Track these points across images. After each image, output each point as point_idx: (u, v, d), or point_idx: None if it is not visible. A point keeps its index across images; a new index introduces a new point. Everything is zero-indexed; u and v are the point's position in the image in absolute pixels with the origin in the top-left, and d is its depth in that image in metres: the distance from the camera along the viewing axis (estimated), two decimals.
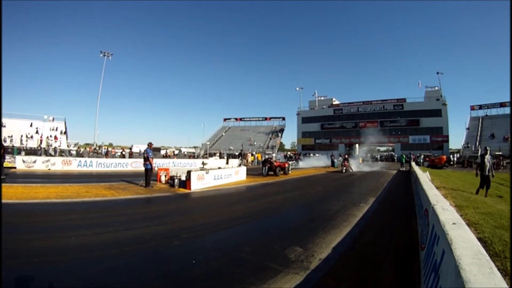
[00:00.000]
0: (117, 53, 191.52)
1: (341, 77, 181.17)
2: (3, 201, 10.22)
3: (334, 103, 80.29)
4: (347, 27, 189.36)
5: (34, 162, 25.44)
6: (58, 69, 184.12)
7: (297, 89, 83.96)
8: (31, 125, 55.88)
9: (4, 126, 52.49)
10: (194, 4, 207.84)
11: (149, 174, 14.75)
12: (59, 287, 4.15)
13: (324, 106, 79.93)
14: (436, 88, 64.64)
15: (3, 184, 13.48)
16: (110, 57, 60.73)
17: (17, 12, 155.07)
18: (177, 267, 4.98)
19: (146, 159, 14.69)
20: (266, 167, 23.47)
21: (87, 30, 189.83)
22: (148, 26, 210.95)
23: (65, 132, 58.50)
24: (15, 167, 24.82)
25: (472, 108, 65.64)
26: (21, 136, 49.32)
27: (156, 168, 16.27)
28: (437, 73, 64.48)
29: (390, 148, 71.87)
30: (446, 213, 3.73)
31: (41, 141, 47.94)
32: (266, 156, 27.96)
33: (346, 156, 31.84)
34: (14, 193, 11.51)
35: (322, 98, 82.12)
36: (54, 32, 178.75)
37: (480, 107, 64.49)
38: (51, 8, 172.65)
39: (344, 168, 28.97)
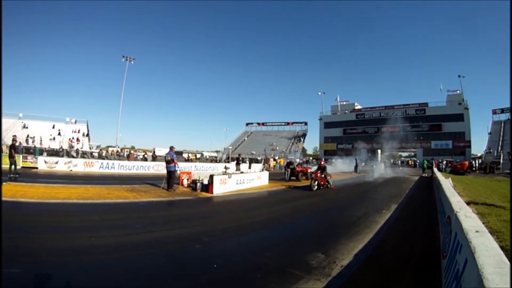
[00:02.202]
0: (140, 57, 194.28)
1: (363, 81, 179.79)
2: (23, 199, 10.36)
3: (356, 107, 79.86)
4: (368, 32, 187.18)
5: (56, 163, 25.68)
6: (82, 73, 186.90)
7: (319, 93, 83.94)
8: (53, 127, 56.83)
9: (27, 128, 53.57)
10: (216, 9, 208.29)
11: (172, 177, 14.66)
12: (77, 287, 4.15)
13: (346, 111, 79.57)
14: (458, 91, 63.63)
15: (19, 183, 13.89)
16: (132, 62, 61.20)
17: (43, 16, 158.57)
18: (198, 270, 4.94)
19: (171, 161, 14.60)
20: (288, 172, 23.16)
21: (109, 35, 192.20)
22: (170, 31, 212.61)
23: (88, 135, 59.44)
24: (36, 168, 25.15)
25: (494, 112, 64.37)
26: (39, 137, 50.30)
27: (178, 171, 16.12)
28: (459, 76, 63.50)
29: (412, 154, 71.01)
30: (469, 220, 3.66)
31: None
32: (288, 159, 27.13)
33: (322, 163, 19.03)
34: (35, 193, 11.55)
35: (344, 103, 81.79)
36: (77, 37, 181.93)
37: (502, 110, 62.90)
38: (75, 14, 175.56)
39: (316, 182, 17.30)
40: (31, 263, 4.84)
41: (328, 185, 18.31)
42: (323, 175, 18.05)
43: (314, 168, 33.20)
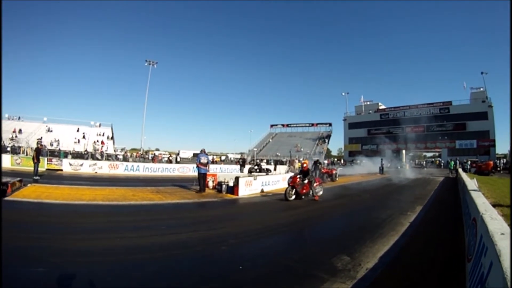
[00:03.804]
0: (164, 60, 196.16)
1: (386, 80, 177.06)
2: (47, 201, 10.51)
3: (380, 107, 78.84)
4: (389, 31, 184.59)
5: (81, 165, 26.11)
6: (106, 77, 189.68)
7: (343, 94, 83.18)
8: (77, 130, 57.60)
9: (51, 131, 54.58)
10: (241, 11, 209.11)
11: (204, 179, 14.78)
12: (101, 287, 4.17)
13: (370, 111, 78.78)
14: (482, 89, 61.90)
15: (43, 185, 14.10)
16: (155, 66, 61.73)
17: (66, 20, 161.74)
18: (224, 272, 4.96)
19: (206, 163, 14.95)
20: (316, 173, 22.41)
21: (133, 39, 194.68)
22: (194, 34, 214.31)
23: (112, 137, 59.99)
24: (61, 170, 25.56)
25: None
26: (63, 140, 50.74)
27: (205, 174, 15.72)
28: (482, 73, 61.34)
29: (437, 154, 69.35)
30: (495, 222, 3.58)
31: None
32: (314, 160, 26.51)
33: (305, 165, 14.30)
34: (60, 194, 11.74)
35: (368, 103, 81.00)
36: (101, 42, 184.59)
37: None
38: (97, 20, 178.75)
39: (294, 190, 13.43)
40: (56, 263, 4.88)
41: (313, 194, 13.85)
42: (305, 181, 13.55)
43: (340, 168, 32.26)
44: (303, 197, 13.49)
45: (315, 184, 14.13)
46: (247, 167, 31.33)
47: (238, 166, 30.82)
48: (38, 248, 5.61)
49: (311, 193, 13.81)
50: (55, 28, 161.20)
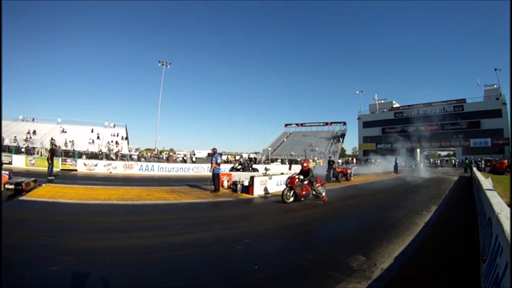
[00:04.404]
0: (177, 61, 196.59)
1: (400, 78, 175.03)
2: (62, 200, 10.58)
3: (394, 106, 77.73)
4: (402, 29, 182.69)
5: (96, 165, 26.34)
6: (120, 78, 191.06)
7: (357, 92, 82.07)
8: (92, 131, 58.01)
9: (65, 132, 55.15)
10: (252, 11, 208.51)
11: (218, 179, 14.77)
12: (115, 287, 4.19)
13: (385, 110, 77.60)
14: (495, 86, 60.17)
15: (58, 185, 14.25)
16: (168, 66, 61.70)
17: (78, 21, 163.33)
18: (238, 271, 4.96)
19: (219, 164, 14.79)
20: (330, 172, 22.56)
21: (145, 39, 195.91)
22: (207, 34, 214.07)
23: (127, 138, 60.34)
24: (76, 170, 25.82)
25: None
26: (78, 141, 51.22)
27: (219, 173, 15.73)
28: (495, 69, 59.74)
29: (451, 153, 68.34)
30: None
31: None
32: (328, 158, 26.01)
33: (305, 164, 13.31)
34: (75, 194, 11.81)
35: (382, 101, 79.86)
36: (114, 43, 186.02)
37: None
38: (109, 21, 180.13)
39: (292, 191, 12.37)
40: (71, 262, 4.91)
41: (316, 196, 12.94)
42: (305, 182, 12.70)
43: (355, 168, 31.69)
44: (302, 199, 12.52)
45: (317, 185, 13.12)
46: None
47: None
48: (52, 247, 5.65)
49: (311, 194, 12.89)
50: (69, 30, 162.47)
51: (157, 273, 4.67)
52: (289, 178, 12.91)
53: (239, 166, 24.12)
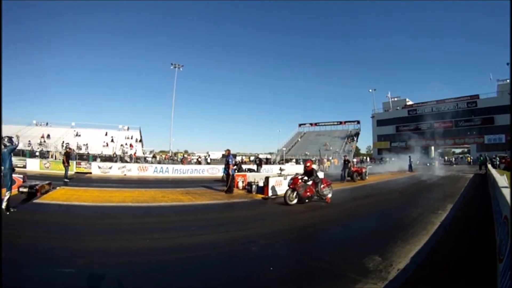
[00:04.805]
0: (190, 63, 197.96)
1: (413, 75, 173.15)
2: (77, 203, 10.66)
3: (407, 103, 77.06)
4: (413, 26, 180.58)
5: (110, 168, 26.46)
6: (134, 81, 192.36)
7: (370, 90, 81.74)
8: (106, 134, 58.58)
9: (79, 136, 55.84)
10: (265, 12, 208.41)
11: (232, 180, 14.81)
12: None
13: (398, 108, 77.10)
14: (508, 81, 59.00)
15: (73, 188, 14.45)
16: (180, 69, 62.00)
17: (92, 25, 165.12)
18: (253, 273, 4.94)
19: (235, 165, 14.96)
20: (345, 172, 22.33)
21: (157, 42, 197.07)
22: (218, 35, 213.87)
23: (141, 140, 60.81)
24: (90, 173, 25.99)
25: None
26: (92, 144, 51.62)
27: (234, 174, 15.92)
28: (507, 64, 57.27)
29: (466, 150, 67.36)
30: None
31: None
32: (343, 157, 25.55)
33: (308, 164, 13.04)
34: (89, 196, 11.94)
35: (396, 99, 79.32)
36: (128, 46, 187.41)
37: None
38: (122, 23, 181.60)
39: (295, 193, 11.85)
40: (85, 264, 4.96)
41: (320, 197, 12.39)
42: (309, 182, 12.22)
43: (369, 167, 31.22)
44: (306, 200, 11.92)
45: (321, 186, 12.53)
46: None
47: (255, 166, 30.27)
48: (65, 249, 5.71)
49: (316, 196, 12.32)
50: (80, 33, 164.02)
51: (172, 275, 4.69)
52: (291, 179, 12.46)
53: (235, 167, 23.51)
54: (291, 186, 11.99)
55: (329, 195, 12.70)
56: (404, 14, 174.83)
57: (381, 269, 4.98)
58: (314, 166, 19.81)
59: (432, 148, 63.19)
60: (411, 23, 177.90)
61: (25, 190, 11.41)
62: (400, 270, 4.96)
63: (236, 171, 20.54)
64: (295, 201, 11.74)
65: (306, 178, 12.26)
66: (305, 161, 14.55)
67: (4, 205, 8.44)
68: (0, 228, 4.15)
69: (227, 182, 14.60)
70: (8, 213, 8.45)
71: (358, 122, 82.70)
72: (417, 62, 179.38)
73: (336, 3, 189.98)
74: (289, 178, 13.69)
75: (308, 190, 12.02)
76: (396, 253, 5.79)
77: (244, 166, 25.29)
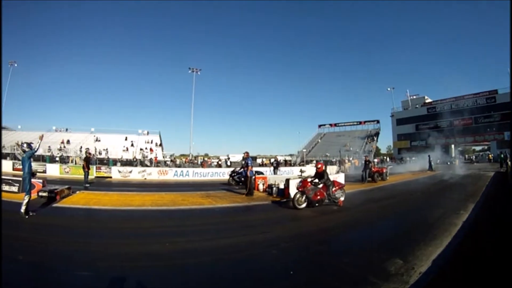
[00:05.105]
0: (207, 67, 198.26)
1: (430, 72, 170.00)
2: (96, 207, 10.76)
3: (426, 101, 75.70)
4: (430, 24, 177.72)
5: (130, 172, 26.63)
6: (152, 86, 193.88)
7: (388, 89, 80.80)
8: (125, 139, 59.06)
9: (99, 141, 56.59)
10: (283, 12, 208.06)
11: (252, 182, 14.76)
12: None
13: (417, 106, 75.75)
14: None
15: (92, 192, 14.53)
16: (198, 73, 62.49)
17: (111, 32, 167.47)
18: (274, 276, 4.90)
19: (242, 167, 15.24)
20: (366, 172, 22.01)
21: (175, 47, 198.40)
22: (236, 38, 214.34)
23: (161, 144, 61.25)
24: (110, 177, 26.23)
25: None
26: (111, 149, 52.27)
27: (253, 177, 15.81)
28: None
29: (486, 147, 65.67)
30: None
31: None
32: (364, 157, 25.07)
33: (319, 165, 12.44)
34: (109, 200, 12.05)
35: (414, 97, 77.86)
36: (147, 52, 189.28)
37: None
38: (142, 30, 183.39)
39: (304, 196, 11.18)
40: (103, 267, 5.03)
41: (332, 201, 11.73)
42: (320, 185, 11.64)
43: (390, 167, 30.60)
44: (316, 204, 11.21)
45: (333, 189, 11.77)
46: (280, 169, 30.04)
47: (272, 168, 30.24)
48: (84, 252, 5.77)
49: (327, 199, 11.54)
50: (97, 41, 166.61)
51: (191, 279, 4.72)
52: (300, 181, 11.83)
53: (241, 170, 22.38)
54: (300, 189, 11.34)
55: (342, 198, 12.14)
56: (418, 12, 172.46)
57: (402, 272, 4.92)
58: (334, 168, 19.34)
59: (453, 146, 62.12)
60: (427, 23, 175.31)
61: (45, 194, 11.57)
62: (422, 274, 4.87)
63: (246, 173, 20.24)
64: (304, 205, 11.17)
65: (316, 180, 11.73)
66: (316, 162, 14.12)
67: (23, 209, 8.61)
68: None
69: (246, 184, 14.51)
70: (27, 216, 8.60)
71: (378, 121, 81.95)
72: (434, 57, 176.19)
73: (353, 3, 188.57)
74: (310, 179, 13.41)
75: (318, 193, 11.36)
76: (418, 256, 5.71)
77: (254, 169, 24.55)
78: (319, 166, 12.27)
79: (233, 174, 20.84)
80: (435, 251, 6.04)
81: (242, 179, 19.22)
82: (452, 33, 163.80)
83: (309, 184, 11.41)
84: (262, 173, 24.00)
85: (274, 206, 12.24)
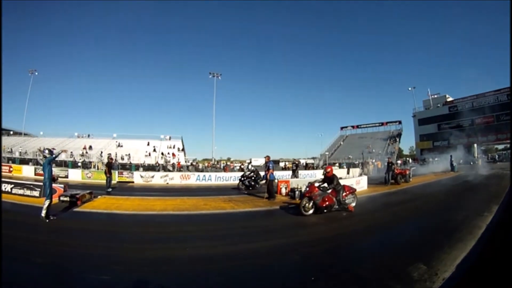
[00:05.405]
0: (227, 71, 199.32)
1: (451, 71, 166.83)
2: (118, 211, 10.87)
3: (448, 100, 74.04)
4: (450, 21, 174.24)
5: (152, 177, 26.58)
6: (173, 90, 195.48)
7: (409, 89, 79.11)
8: (148, 144, 59.46)
9: (121, 146, 57.25)
10: (303, 13, 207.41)
11: (273, 186, 14.80)
12: None
13: (439, 105, 74.21)
14: None
15: (114, 197, 14.71)
16: (219, 77, 62.57)
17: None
18: (295, 283, 4.87)
19: (251, 172, 14.65)
20: (389, 174, 21.63)
21: (196, 53, 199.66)
22: (257, 40, 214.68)
23: (183, 149, 61.46)
24: (133, 182, 26.25)
25: None
26: (134, 154, 52.74)
27: (276, 180, 15.91)
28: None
29: (509, 145, 63.79)
30: None
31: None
32: (387, 159, 24.55)
33: (328, 170, 11.82)
34: (130, 205, 12.10)
35: (435, 96, 76.31)
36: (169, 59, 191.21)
37: None
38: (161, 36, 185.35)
39: (311, 202, 10.61)
40: (122, 271, 5.09)
41: (343, 207, 11.16)
42: (328, 190, 11.00)
43: (413, 168, 29.94)
44: (324, 211, 10.57)
45: (343, 194, 11.23)
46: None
47: (290, 172, 29.63)
48: (103, 256, 5.85)
49: (336, 205, 10.92)
50: (117, 47, 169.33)
51: (210, 284, 4.73)
52: (307, 186, 11.39)
53: (251, 174, 21.89)
54: (307, 195, 10.75)
55: (353, 204, 11.58)
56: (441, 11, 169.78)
57: (425, 278, 4.83)
58: (357, 170, 18.88)
59: (475, 145, 60.57)
60: (447, 21, 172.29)
61: (66, 199, 11.73)
62: (446, 279, 4.80)
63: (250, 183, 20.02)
64: (311, 211, 10.57)
65: (325, 185, 11.18)
66: (325, 166, 13.75)
67: (43, 213, 8.77)
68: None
69: (268, 188, 14.43)
70: (47, 220, 8.74)
71: (400, 122, 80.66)
72: (454, 53, 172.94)
73: (371, 3, 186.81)
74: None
75: (326, 199, 10.68)
76: (442, 261, 5.61)
77: (261, 173, 23.68)
78: (328, 170, 11.72)
79: (242, 178, 20.69)
80: (459, 255, 5.95)
81: (252, 183, 19.69)
82: (472, 32, 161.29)
83: (317, 189, 10.86)
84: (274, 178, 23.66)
85: (296, 210, 11.79)
